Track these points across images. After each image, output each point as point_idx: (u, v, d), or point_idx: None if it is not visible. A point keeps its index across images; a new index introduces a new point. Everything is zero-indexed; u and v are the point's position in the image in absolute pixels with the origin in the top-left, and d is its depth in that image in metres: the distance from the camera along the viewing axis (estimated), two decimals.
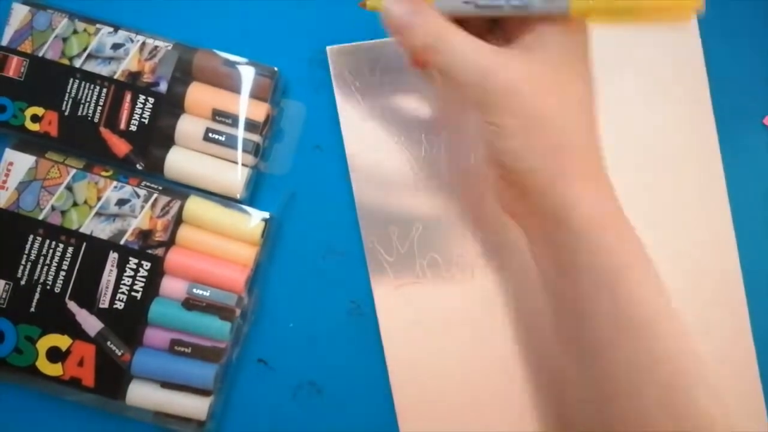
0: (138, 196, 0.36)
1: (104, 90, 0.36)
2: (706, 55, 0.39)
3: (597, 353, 0.28)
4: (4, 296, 0.35)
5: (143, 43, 0.36)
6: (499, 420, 0.37)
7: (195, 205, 0.36)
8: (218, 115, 0.36)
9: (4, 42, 0.36)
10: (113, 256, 0.35)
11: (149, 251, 0.35)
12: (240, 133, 0.36)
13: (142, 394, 0.35)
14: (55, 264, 0.35)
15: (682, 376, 0.26)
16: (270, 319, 0.38)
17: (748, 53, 0.40)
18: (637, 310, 0.27)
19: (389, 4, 0.29)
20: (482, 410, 0.37)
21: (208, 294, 0.35)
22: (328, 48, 0.38)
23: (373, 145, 0.38)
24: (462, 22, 0.29)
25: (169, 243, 0.36)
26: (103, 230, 0.35)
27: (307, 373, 0.38)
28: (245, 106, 0.36)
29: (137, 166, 0.36)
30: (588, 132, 0.28)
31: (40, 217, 0.35)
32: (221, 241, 0.36)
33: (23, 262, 0.35)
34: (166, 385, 0.35)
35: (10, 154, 0.36)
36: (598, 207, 0.27)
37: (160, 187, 0.36)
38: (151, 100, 0.36)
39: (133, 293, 0.35)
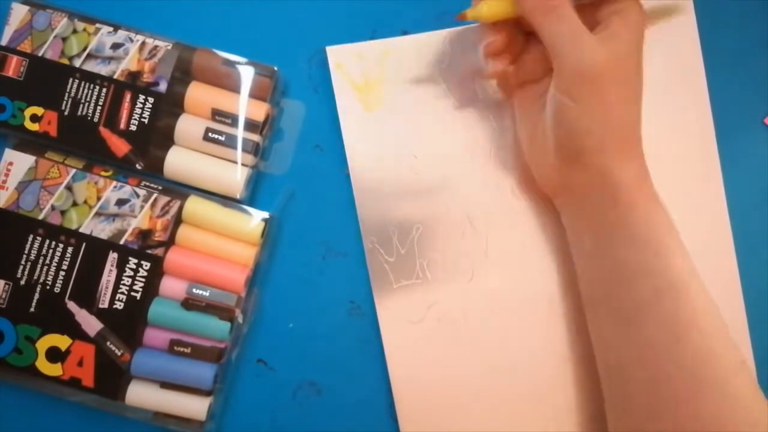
0: (138, 195, 0.36)
1: (104, 90, 0.36)
2: (706, 55, 0.39)
3: (638, 313, 0.31)
4: (3, 296, 0.35)
5: (143, 43, 0.36)
6: (499, 419, 0.37)
7: (195, 205, 0.36)
8: (218, 114, 0.36)
9: (4, 42, 0.36)
10: (113, 256, 0.35)
11: (149, 251, 0.35)
12: (240, 132, 0.36)
13: (141, 394, 0.35)
14: (54, 264, 0.35)
15: (719, 327, 0.30)
16: (270, 319, 0.38)
17: (748, 53, 0.40)
18: (675, 272, 0.30)
19: None
20: (482, 410, 0.37)
21: (207, 294, 0.35)
22: (327, 48, 0.38)
23: (373, 145, 0.38)
24: None
25: (169, 243, 0.35)
26: (102, 230, 0.35)
27: (307, 373, 0.38)
28: (245, 106, 0.36)
29: (137, 165, 0.36)
30: (638, 118, 0.32)
31: (40, 217, 0.35)
32: (221, 241, 0.36)
33: (23, 262, 0.35)
34: (166, 385, 0.35)
35: (9, 154, 0.36)
36: (638, 181, 0.31)
37: (160, 187, 0.36)
38: (151, 99, 0.36)
39: (132, 293, 0.35)
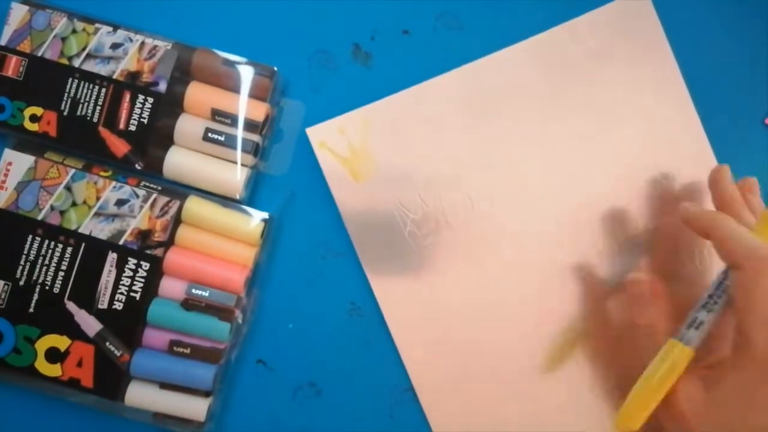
0: (137, 196, 0.35)
1: (103, 90, 0.36)
2: (707, 55, 0.39)
3: None
4: (3, 296, 0.35)
5: (142, 43, 0.36)
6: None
7: (194, 206, 0.36)
8: (217, 114, 0.36)
9: (3, 41, 0.36)
10: (112, 257, 0.35)
11: (148, 251, 0.35)
12: (239, 132, 0.36)
13: (141, 394, 0.35)
14: (54, 264, 0.35)
15: None
16: (270, 319, 0.38)
17: (748, 53, 0.40)
18: None
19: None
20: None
21: (207, 294, 0.35)
22: (307, 130, 0.37)
23: (372, 213, 0.38)
24: None
25: (169, 243, 0.35)
26: (102, 230, 0.35)
27: (306, 373, 0.37)
28: (244, 106, 0.36)
29: (136, 165, 0.36)
30: None
31: (39, 217, 0.35)
32: (220, 242, 0.36)
33: (22, 263, 0.35)
34: (165, 385, 0.35)
35: (9, 154, 0.36)
36: None
37: (159, 187, 0.36)
38: (150, 99, 0.36)
39: (132, 294, 0.35)
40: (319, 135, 0.38)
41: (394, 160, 0.38)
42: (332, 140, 0.38)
